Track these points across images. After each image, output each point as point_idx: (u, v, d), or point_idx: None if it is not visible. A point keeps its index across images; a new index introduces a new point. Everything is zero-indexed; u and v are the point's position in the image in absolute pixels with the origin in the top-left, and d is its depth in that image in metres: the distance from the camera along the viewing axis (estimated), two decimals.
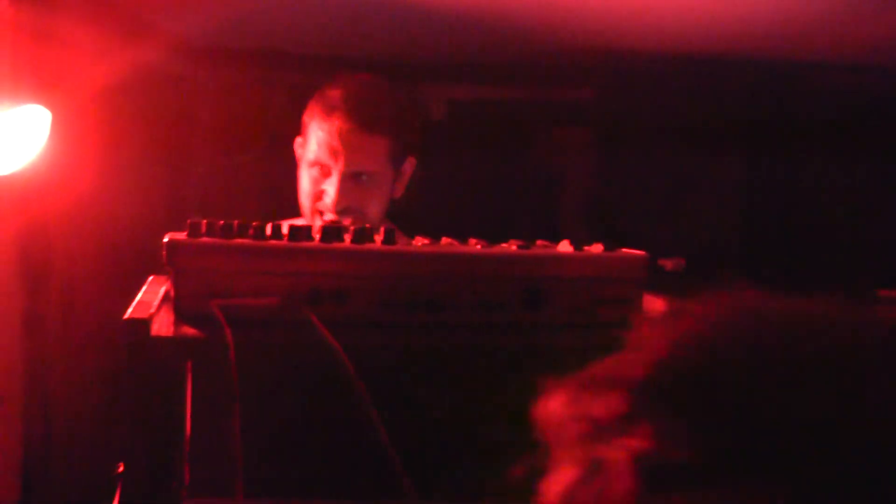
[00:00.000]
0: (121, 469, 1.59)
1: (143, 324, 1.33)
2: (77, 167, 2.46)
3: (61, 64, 2.43)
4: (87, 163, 2.49)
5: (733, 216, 3.01)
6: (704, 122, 2.99)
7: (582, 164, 3.11)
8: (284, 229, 1.46)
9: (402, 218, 2.37)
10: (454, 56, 3.02)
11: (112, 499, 1.57)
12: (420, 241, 1.54)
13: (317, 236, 1.46)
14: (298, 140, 2.39)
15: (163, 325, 1.39)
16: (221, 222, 1.45)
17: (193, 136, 2.72)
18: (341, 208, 2.26)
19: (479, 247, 1.50)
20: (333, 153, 2.26)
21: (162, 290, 1.58)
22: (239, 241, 1.43)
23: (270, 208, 2.53)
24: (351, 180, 2.27)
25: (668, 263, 1.80)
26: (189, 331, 1.37)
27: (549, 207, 3.06)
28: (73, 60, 2.43)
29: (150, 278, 1.70)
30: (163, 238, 1.47)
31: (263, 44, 2.90)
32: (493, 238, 1.57)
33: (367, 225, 1.49)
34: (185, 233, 1.45)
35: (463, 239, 1.58)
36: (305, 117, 2.35)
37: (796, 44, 2.63)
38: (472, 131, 3.05)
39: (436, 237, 1.54)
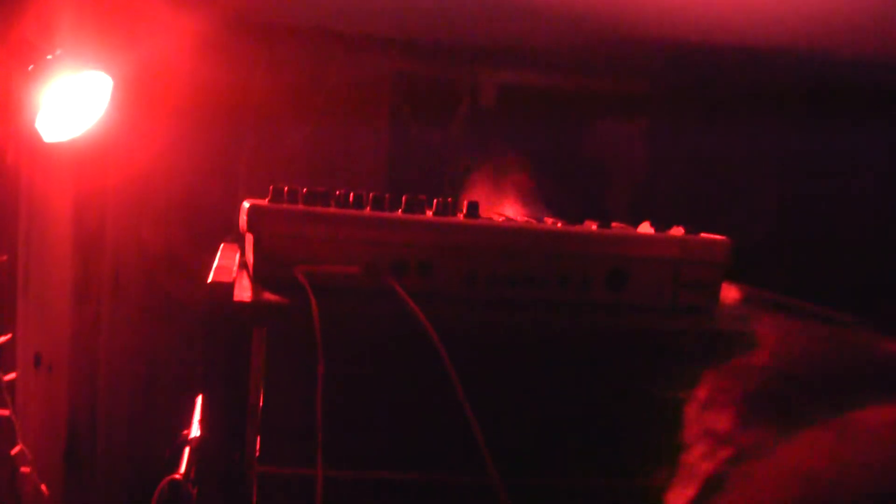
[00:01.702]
0: (187, 435, 1.58)
1: (227, 287, 1.31)
2: (131, 137, 2.45)
3: (120, 32, 2.42)
4: (140, 132, 2.48)
5: (784, 207, 2.99)
6: (756, 115, 2.97)
7: (631, 154, 3.09)
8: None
9: None
10: (506, 41, 3.01)
11: (178, 464, 1.57)
12: (498, 218, 1.53)
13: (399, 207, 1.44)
14: None
15: (241, 291, 1.38)
16: (305, 189, 1.44)
17: (245, 111, 2.71)
18: None
19: (559, 225, 1.49)
20: None
21: (238, 257, 1.57)
22: (321, 208, 1.42)
23: (319, 185, 2.52)
24: None
25: None
26: (268, 296, 1.36)
27: (597, 195, 3.04)
28: (135, 29, 2.42)
29: (222, 245, 1.69)
30: (242, 204, 1.46)
31: (317, 22, 2.89)
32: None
33: (449, 199, 1.47)
34: (267, 199, 1.44)
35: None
36: None
37: (856, 38, 2.60)
38: (521, 117, 3.04)
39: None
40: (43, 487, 2.20)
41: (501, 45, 3.07)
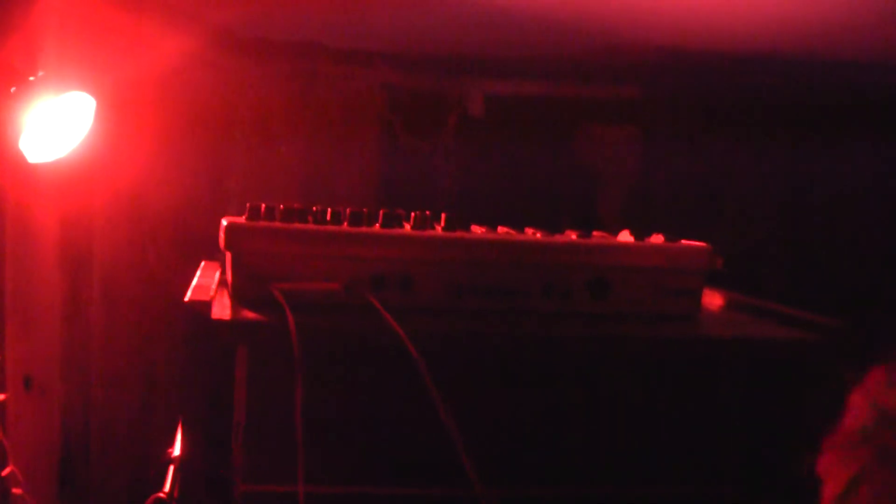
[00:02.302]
0: (171, 454, 1.58)
1: (204, 306, 1.31)
2: (119, 155, 2.45)
3: (106, 52, 2.42)
4: (129, 151, 2.48)
5: (776, 214, 2.98)
6: (749, 120, 2.96)
7: (624, 161, 3.09)
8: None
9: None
10: (495, 51, 3.00)
11: (163, 482, 1.56)
12: (478, 230, 1.52)
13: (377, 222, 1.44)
14: None
15: (220, 309, 1.37)
16: (282, 206, 1.44)
17: (234, 126, 2.71)
18: None
19: (538, 235, 1.49)
20: None
21: (217, 275, 1.57)
22: (299, 225, 1.42)
23: (310, 199, 2.51)
24: None
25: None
26: (247, 314, 1.35)
27: (588, 204, 3.04)
28: (118, 49, 2.42)
29: (203, 263, 1.69)
30: (221, 222, 1.45)
31: (306, 37, 2.89)
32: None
33: (427, 212, 1.47)
34: (244, 216, 1.44)
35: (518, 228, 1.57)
36: None
37: (854, 43, 2.60)
38: (510, 127, 3.03)
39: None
40: None
41: (490, 54, 3.07)
